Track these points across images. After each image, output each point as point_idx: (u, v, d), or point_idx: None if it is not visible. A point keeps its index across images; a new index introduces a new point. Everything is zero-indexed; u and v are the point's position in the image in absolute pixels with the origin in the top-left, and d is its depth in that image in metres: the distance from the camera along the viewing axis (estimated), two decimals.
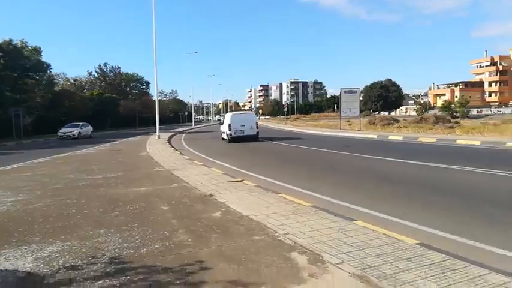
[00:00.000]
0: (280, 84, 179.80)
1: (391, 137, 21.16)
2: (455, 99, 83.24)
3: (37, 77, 55.11)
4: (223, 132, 24.25)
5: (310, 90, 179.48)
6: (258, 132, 23.13)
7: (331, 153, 15.27)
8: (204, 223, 5.41)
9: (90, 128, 40.72)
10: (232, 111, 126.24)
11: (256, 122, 24.02)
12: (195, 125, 67.55)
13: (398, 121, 36.78)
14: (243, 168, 11.50)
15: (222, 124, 25.70)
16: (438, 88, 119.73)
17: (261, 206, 6.35)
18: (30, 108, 50.64)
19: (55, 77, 64.19)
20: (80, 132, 36.79)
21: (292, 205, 6.35)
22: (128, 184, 9.15)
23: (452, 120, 36.58)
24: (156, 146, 21.30)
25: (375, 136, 22.46)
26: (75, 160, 15.09)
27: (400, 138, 20.61)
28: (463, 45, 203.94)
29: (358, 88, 32.54)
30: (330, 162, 12.95)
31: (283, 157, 14.93)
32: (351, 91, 32.04)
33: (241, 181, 8.97)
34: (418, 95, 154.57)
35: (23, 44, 52.49)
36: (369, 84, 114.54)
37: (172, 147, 20.57)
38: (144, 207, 6.61)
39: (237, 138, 22.30)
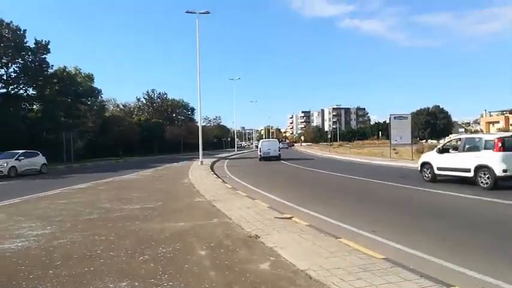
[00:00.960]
0: (322, 111, 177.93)
1: None
2: (511, 127, 77.75)
3: (89, 103, 57.90)
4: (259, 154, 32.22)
5: (353, 116, 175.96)
6: (280, 154, 32.52)
7: (388, 185, 13.71)
8: (249, 279, 4.30)
9: (39, 160, 25.65)
10: (275, 137, 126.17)
11: (279, 147, 34.49)
12: (237, 150, 67.40)
13: None
14: (290, 201, 10.33)
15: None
16: (491, 115, 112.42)
17: (318, 255, 5.15)
18: (82, 133, 52.87)
19: (106, 103, 67.21)
20: (14, 166, 22.81)
21: (358, 256, 5.09)
22: (165, 217, 8.29)
23: None
24: (199, 172, 20.68)
25: None
26: (116, 187, 14.66)
27: None
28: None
29: (409, 114, 30.52)
30: (390, 197, 11.43)
31: (334, 190, 13.50)
32: (401, 117, 30.09)
33: (290, 218, 7.81)
34: (467, 122, 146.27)
35: (77, 71, 55.51)
36: (415, 111, 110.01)
37: (215, 174, 19.83)
38: (179, 250, 5.63)
39: (264, 158, 31.86)
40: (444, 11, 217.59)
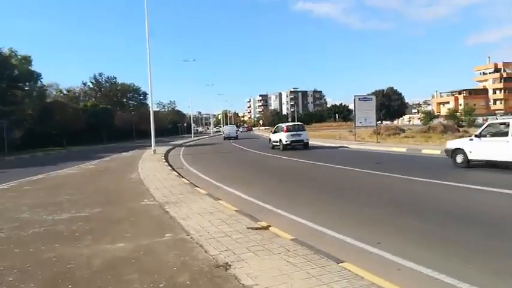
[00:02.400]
0: (280, 94, 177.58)
1: (425, 151, 18.10)
2: (460, 108, 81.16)
3: (27, 88, 52.37)
4: (275, 141, 25.81)
5: (310, 99, 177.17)
6: (237, 136, 36.30)
7: (366, 174, 12.29)
8: None
9: None
10: (233, 122, 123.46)
11: (236, 130, 44.94)
12: (194, 136, 64.54)
13: (404, 131, 34.89)
14: (261, 200, 8.52)
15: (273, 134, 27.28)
16: (441, 96, 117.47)
17: None
18: (19, 122, 47.80)
19: (47, 88, 61.41)
20: None
21: None
22: (99, 233, 6.16)
23: (460, 129, 34.65)
24: (150, 163, 18.33)
25: (403, 149, 19.44)
26: (46, 186, 12.06)
27: (431, 151, 17.65)
28: (459, 52, 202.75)
29: (373, 95, 29.69)
30: (378, 189, 9.93)
31: (308, 181, 11.83)
32: (365, 98, 29.25)
33: (267, 228, 5.99)
34: (418, 103, 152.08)
35: (12, 53, 49.82)
36: (370, 93, 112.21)
37: (169, 165, 17.59)
38: None
39: (227, 137, 39.80)
40: None
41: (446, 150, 13.41)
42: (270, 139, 27.71)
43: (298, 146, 24.29)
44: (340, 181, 11.41)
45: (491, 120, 15.63)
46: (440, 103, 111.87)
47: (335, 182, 11.20)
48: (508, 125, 11.23)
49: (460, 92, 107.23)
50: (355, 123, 29.18)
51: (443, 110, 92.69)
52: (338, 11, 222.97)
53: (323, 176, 12.58)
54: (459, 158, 12.53)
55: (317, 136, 39.86)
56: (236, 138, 44.11)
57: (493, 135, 11.89)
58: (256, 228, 5.98)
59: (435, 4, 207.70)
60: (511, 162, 11.06)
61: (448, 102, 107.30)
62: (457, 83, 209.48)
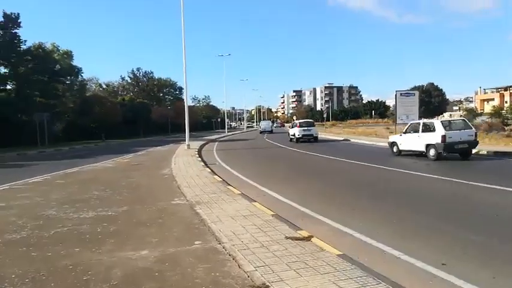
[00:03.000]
0: (314, 90, 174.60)
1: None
2: (506, 105, 76.25)
3: (68, 82, 54.09)
4: (292, 135, 29.91)
5: (345, 95, 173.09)
6: (272, 130, 40.91)
7: (418, 177, 11.21)
8: None
9: None
10: (266, 117, 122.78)
11: (271, 126, 49.65)
12: (228, 131, 64.48)
13: None
14: (300, 203, 7.74)
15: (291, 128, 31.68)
16: (485, 92, 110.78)
17: None
18: (61, 114, 49.35)
19: (87, 82, 63.35)
20: None
21: None
22: (123, 237, 5.63)
23: (506, 128, 32.13)
24: (184, 158, 17.97)
25: None
26: (78, 180, 11.88)
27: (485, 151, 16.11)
28: (502, 47, 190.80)
29: (416, 91, 27.92)
30: (437, 196, 8.93)
31: (354, 184, 10.77)
32: (408, 94, 27.63)
33: (309, 239, 5.22)
34: (459, 100, 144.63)
35: (54, 48, 51.54)
36: (409, 89, 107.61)
37: (202, 161, 17.14)
38: None
39: (262, 132, 42.60)
40: None
41: (388, 143, 18.07)
42: (288, 133, 31.20)
43: (309, 139, 27.97)
44: (389, 184, 10.41)
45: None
46: (484, 100, 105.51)
47: (387, 186, 10.20)
48: (419, 124, 15.99)
49: (506, 89, 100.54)
50: (396, 120, 27.61)
51: (488, 108, 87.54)
52: (374, 4, 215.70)
53: (365, 178, 11.60)
54: (394, 149, 17.17)
55: (353, 133, 38.46)
56: (271, 132, 47.00)
57: (412, 131, 16.05)
58: (297, 239, 5.22)
59: None
60: (420, 151, 15.38)
61: (492, 99, 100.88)
62: (502, 79, 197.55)
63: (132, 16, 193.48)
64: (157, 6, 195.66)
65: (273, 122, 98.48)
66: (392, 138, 17.80)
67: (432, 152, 14.57)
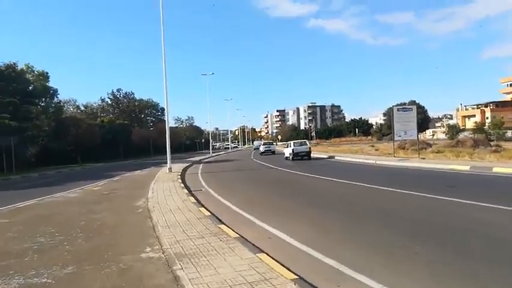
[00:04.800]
0: (297, 109, 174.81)
1: (497, 169, 14.66)
2: (487, 121, 76.76)
3: (43, 104, 51.10)
4: (287, 155, 32.73)
5: (328, 114, 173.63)
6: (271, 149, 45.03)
7: (449, 202, 9.11)
8: None
9: None
10: (250, 137, 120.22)
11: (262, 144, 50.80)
12: (212, 152, 61.97)
13: (430, 145, 32.06)
14: (326, 251, 5.46)
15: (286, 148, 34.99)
16: (466, 109, 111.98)
17: None
18: (34, 138, 46.15)
19: (64, 104, 60.33)
20: None
21: None
22: None
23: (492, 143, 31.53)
24: (164, 185, 15.55)
25: (466, 167, 15.99)
26: (28, 218, 9.34)
27: (504, 170, 14.26)
28: (475, 66, 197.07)
29: (414, 105, 26.32)
30: (464, 227, 6.81)
31: (376, 213, 8.45)
32: (405, 109, 26.02)
33: None
34: (438, 117, 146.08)
35: (28, 69, 48.74)
36: (392, 107, 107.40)
37: (186, 187, 14.75)
38: None
39: (256, 149, 51.13)
40: (405, 11, 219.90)
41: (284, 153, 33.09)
42: (284, 153, 34.68)
43: (303, 156, 30.66)
44: (431, 218, 8.24)
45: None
46: (465, 116, 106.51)
47: (425, 219, 8.01)
48: (287, 143, 33.93)
49: (486, 105, 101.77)
50: (393, 137, 25.87)
51: (469, 124, 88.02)
52: (350, 27, 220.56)
53: (393, 206, 9.43)
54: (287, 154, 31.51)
55: (341, 151, 36.80)
56: (273, 153, 43.05)
57: (286, 147, 33.47)
58: None
59: (448, 19, 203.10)
60: (287, 157, 30.97)
61: (473, 116, 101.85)
62: (479, 96, 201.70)
63: (113, 36, 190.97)
64: (138, 26, 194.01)
65: (255, 141, 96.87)
66: (285, 149, 33.51)
67: (290, 157, 30.49)
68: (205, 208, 9.57)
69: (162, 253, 5.68)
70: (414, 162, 19.88)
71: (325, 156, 32.37)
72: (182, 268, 4.91)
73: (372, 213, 8.38)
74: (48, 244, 6.60)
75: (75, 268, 5.21)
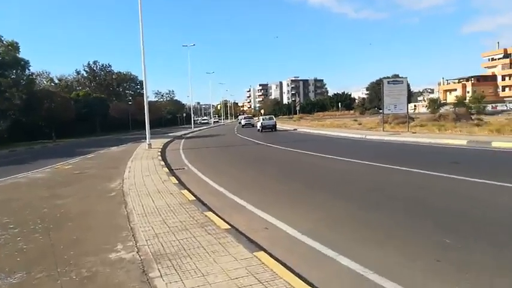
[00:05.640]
0: (280, 83, 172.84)
1: (496, 144, 13.99)
2: (468, 95, 77.49)
3: (13, 76, 48.06)
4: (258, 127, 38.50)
5: (311, 88, 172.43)
6: (276, 124, 38.46)
7: (450, 179, 8.27)
8: None
9: None
10: (233, 112, 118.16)
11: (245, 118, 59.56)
12: (194, 127, 60.38)
13: (413, 119, 31.48)
14: (340, 246, 4.50)
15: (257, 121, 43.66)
16: (448, 83, 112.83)
17: None
18: (5, 112, 43.54)
19: (36, 77, 57.01)
20: None
21: None
22: None
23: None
24: (143, 162, 14.31)
25: (463, 142, 15.27)
26: None
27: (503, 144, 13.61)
28: (455, 41, 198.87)
29: (405, 77, 25.38)
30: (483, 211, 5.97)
31: (395, 200, 7.04)
32: (396, 81, 25.06)
33: None
34: (419, 91, 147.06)
35: None
36: (374, 81, 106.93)
37: (166, 165, 13.55)
38: None
39: (243, 125, 52.66)
40: None
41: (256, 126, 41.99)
42: (256, 125, 42.74)
43: (269, 129, 35.61)
44: (454, 203, 7.36)
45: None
46: (446, 90, 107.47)
47: (451, 205, 7.11)
48: (259, 118, 43.60)
49: (467, 79, 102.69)
50: (383, 111, 25.08)
51: (450, 98, 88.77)
52: (332, 1, 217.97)
53: (414, 192, 8.52)
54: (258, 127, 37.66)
55: (326, 126, 36.06)
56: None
57: (258, 121, 40.21)
58: None
59: None
60: (258, 129, 37.22)
61: (455, 90, 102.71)
62: (461, 71, 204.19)
63: (88, 6, 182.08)
64: None
65: (237, 115, 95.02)
66: (257, 123, 40.44)
67: (260, 128, 36.29)
68: (189, 190, 8.46)
69: (137, 252, 4.58)
70: (407, 137, 19.14)
71: (311, 131, 31.57)
72: (161, 275, 3.83)
73: (393, 202, 7.18)
74: None
75: (24, 275, 4.07)
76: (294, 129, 36.89)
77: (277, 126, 37.53)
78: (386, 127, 26.05)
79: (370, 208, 6.47)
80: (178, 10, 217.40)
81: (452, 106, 58.12)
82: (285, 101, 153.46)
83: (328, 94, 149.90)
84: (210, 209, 6.63)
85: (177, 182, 9.70)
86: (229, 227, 5.48)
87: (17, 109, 46.08)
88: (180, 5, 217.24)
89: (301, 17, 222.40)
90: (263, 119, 38.32)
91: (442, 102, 78.55)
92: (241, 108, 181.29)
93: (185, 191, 8.29)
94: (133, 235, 5.26)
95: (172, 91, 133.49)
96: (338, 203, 6.99)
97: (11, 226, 6.09)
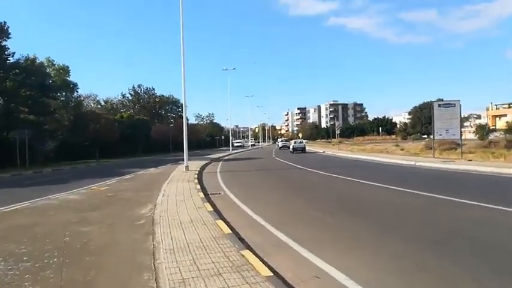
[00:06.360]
0: (319, 107, 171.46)
1: None
2: None
3: (63, 98, 50.45)
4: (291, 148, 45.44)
5: (350, 112, 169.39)
6: (289, 146, 49.92)
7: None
8: None
9: None
10: (271, 135, 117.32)
11: (284, 141, 63.72)
12: (232, 150, 60.07)
13: (460, 145, 28.87)
14: None
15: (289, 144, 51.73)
16: (497, 108, 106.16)
17: None
18: (53, 132, 45.36)
19: (83, 98, 59.64)
20: None
21: None
22: None
23: None
24: (178, 185, 13.64)
25: None
26: (4, 229, 7.55)
27: None
28: (501, 64, 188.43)
29: (457, 100, 23.48)
30: None
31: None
32: (447, 105, 23.23)
33: None
34: (464, 117, 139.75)
35: (49, 62, 48.15)
36: (417, 105, 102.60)
37: (202, 189, 12.77)
38: None
39: (281, 147, 56.85)
40: (429, 8, 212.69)
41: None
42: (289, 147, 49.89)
43: (299, 150, 41.53)
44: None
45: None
46: (495, 116, 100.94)
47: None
48: (289, 140, 64.04)
49: None
50: (433, 135, 23.25)
51: (500, 124, 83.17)
52: (372, 26, 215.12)
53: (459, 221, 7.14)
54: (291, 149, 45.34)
55: (367, 151, 34.24)
56: (304, 151, 42.19)
57: (290, 144, 49.91)
58: None
59: (472, 17, 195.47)
60: (291, 150, 44.17)
61: (505, 115, 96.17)
62: (507, 96, 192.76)
63: (134, 31, 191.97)
64: (159, 20, 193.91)
65: (276, 139, 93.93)
66: (290, 145, 48.28)
67: (292, 150, 42.63)
68: (224, 221, 7.51)
69: None
70: (463, 165, 17.30)
71: (353, 156, 29.99)
72: None
73: (483, 250, 5.92)
74: (3, 276, 4.68)
75: None
76: (332, 153, 35.60)
77: (319, 151, 42.92)
78: (434, 153, 24.15)
79: (449, 256, 5.19)
80: (218, 35, 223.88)
81: (503, 132, 54.29)
82: (323, 125, 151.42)
83: (368, 118, 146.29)
84: (249, 247, 5.63)
85: (211, 209, 8.80)
86: (271, 273, 4.44)
87: (65, 130, 48.02)
88: (219, 30, 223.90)
89: (340, 42, 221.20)
90: (294, 142, 46.78)
91: (490, 128, 73.83)
92: (279, 132, 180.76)
93: (220, 222, 7.35)
94: (156, 279, 4.36)
95: (212, 114, 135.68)
96: (411, 248, 5.70)
97: (25, 258, 5.39)
